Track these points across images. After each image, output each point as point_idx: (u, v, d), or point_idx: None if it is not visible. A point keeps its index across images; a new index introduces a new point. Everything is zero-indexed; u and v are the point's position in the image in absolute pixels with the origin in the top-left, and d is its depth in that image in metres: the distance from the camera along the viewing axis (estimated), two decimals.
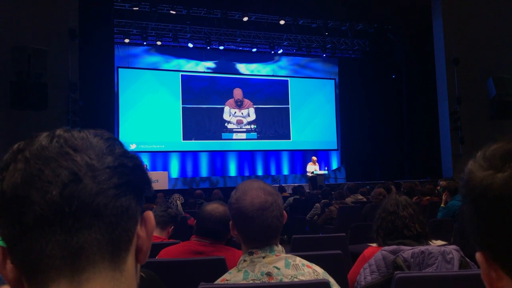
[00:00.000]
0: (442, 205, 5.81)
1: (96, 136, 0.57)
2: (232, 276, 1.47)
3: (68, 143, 0.55)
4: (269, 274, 1.44)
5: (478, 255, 0.59)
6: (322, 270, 1.54)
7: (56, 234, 0.52)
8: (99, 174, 0.54)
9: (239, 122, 16.24)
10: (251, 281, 1.43)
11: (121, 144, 0.59)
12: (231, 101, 16.25)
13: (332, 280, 1.52)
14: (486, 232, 0.57)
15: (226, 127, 16.12)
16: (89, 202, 0.52)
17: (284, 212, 1.56)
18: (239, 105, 16.27)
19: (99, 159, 0.55)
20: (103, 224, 0.53)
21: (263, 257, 1.47)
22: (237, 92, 16.32)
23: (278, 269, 1.45)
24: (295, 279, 1.46)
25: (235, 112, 16.24)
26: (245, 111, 16.38)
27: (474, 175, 0.59)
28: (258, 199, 1.48)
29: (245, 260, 1.49)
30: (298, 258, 1.53)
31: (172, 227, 3.34)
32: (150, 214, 0.61)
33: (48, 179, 0.52)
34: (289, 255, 1.53)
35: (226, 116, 16.13)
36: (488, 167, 0.58)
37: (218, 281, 1.50)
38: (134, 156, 0.59)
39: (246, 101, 16.43)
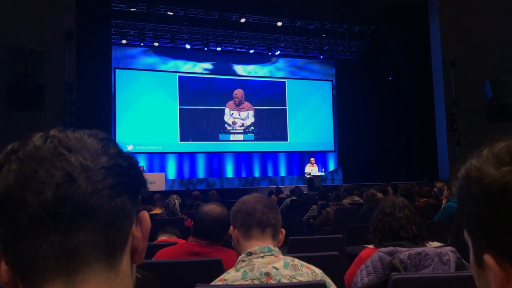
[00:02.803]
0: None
1: (91, 136, 0.57)
2: (230, 276, 1.48)
3: (62, 144, 0.54)
4: (267, 274, 1.45)
5: (488, 257, 0.56)
6: (321, 271, 1.55)
7: (50, 235, 0.51)
8: (94, 174, 0.53)
9: (234, 124, 16.24)
10: (249, 281, 1.44)
11: (116, 144, 0.59)
12: (230, 102, 16.28)
13: (330, 281, 1.53)
14: (505, 232, 0.54)
15: (225, 128, 16.12)
16: (84, 202, 0.52)
17: (283, 229, 1.66)
18: (237, 104, 16.27)
19: (93, 159, 0.54)
20: (97, 225, 0.53)
21: (262, 257, 1.48)
22: (236, 92, 16.33)
23: (277, 269, 1.47)
24: (294, 280, 1.47)
25: (232, 114, 16.24)
26: (243, 113, 16.38)
27: (486, 172, 0.56)
28: (257, 195, 1.66)
29: (243, 260, 1.50)
30: (296, 259, 1.55)
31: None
32: (145, 214, 0.60)
33: (42, 180, 0.51)
34: (288, 256, 1.54)
35: (226, 118, 16.17)
36: (504, 164, 0.55)
37: (216, 281, 1.50)
38: (129, 156, 0.59)
39: (246, 103, 16.43)
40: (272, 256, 1.50)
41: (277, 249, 1.53)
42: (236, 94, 16.32)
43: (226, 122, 16.15)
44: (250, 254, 1.50)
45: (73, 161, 0.53)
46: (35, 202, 0.51)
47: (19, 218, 0.51)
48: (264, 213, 1.58)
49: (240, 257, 1.52)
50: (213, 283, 1.51)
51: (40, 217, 0.51)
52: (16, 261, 0.53)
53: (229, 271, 1.51)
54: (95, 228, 0.53)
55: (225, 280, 1.47)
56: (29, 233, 0.51)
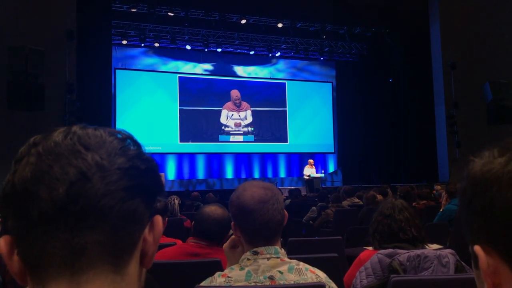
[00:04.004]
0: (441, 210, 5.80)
1: (112, 136, 0.57)
2: (234, 273, 1.46)
3: (81, 141, 0.54)
4: (271, 278, 1.44)
5: (477, 248, 0.56)
6: (325, 276, 1.54)
7: (58, 232, 0.52)
8: (109, 174, 0.53)
9: (237, 125, 16.23)
10: (253, 283, 1.43)
11: (138, 145, 0.58)
12: (228, 104, 16.25)
13: (334, 286, 1.53)
14: (487, 219, 0.55)
15: (223, 129, 16.11)
16: (95, 202, 0.52)
17: (285, 211, 1.56)
18: (237, 105, 16.26)
19: (110, 159, 0.54)
20: (106, 226, 0.53)
21: (268, 259, 1.47)
22: (235, 93, 16.32)
23: (281, 273, 1.46)
24: None
25: (232, 115, 16.23)
26: (242, 114, 16.37)
27: (473, 166, 0.59)
28: (258, 194, 1.50)
29: (248, 259, 1.48)
30: (301, 263, 1.53)
31: (166, 218, 3.47)
32: (159, 219, 0.60)
33: (56, 176, 0.52)
34: (293, 260, 1.53)
35: (223, 120, 16.11)
36: (487, 157, 0.58)
37: (220, 274, 1.49)
38: (149, 159, 0.58)
39: (244, 103, 16.43)
40: (278, 259, 1.48)
41: (283, 251, 1.51)
42: (237, 95, 16.30)
43: (223, 125, 16.10)
44: (256, 253, 1.48)
45: (89, 160, 0.53)
46: (47, 197, 0.51)
47: (31, 211, 0.52)
48: (269, 227, 1.48)
49: (245, 255, 1.50)
50: (216, 275, 1.50)
51: (50, 213, 0.51)
52: (25, 254, 0.53)
53: (233, 266, 1.50)
54: (104, 229, 0.53)
55: (228, 277, 1.46)
56: (39, 227, 0.52)
